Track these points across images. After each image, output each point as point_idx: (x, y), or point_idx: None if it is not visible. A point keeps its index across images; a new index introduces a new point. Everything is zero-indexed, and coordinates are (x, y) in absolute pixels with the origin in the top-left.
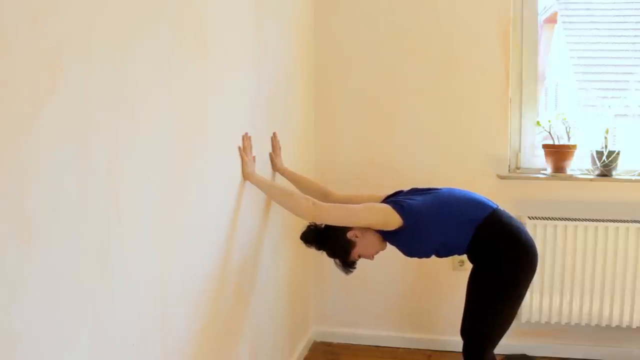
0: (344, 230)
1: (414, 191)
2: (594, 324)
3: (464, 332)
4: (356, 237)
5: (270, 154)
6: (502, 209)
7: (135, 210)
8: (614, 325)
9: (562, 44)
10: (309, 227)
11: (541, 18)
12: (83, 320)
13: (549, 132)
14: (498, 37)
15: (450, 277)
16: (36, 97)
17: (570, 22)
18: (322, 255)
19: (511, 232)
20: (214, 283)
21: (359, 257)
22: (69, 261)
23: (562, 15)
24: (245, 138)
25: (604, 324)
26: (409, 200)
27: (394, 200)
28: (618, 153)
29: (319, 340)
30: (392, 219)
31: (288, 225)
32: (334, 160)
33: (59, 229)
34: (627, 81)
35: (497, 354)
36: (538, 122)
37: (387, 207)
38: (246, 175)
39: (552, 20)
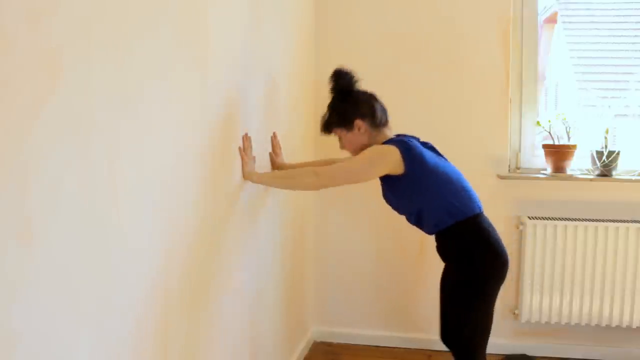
0: (355, 114)
1: (432, 148)
2: (594, 324)
3: (446, 338)
4: (358, 129)
5: (270, 154)
6: (485, 216)
7: (135, 210)
8: (614, 325)
9: (562, 44)
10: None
11: (541, 18)
12: (83, 320)
13: (549, 132)
14: (498, 37)
15: None
16: (36, 97)
17: (570, 22)
18: (322, 256)
19: (487, 238)
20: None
21: (340, 139)
22: (69, 261)
23: (562, 15)
24: (245, 138)
25: (604, 324)
26: (426, 154)
27: (409, 146)
28: (618, 153)
29: (319, 340)
30: (397, 168)
31: (288, 225)
32: (334, 160)
33: (59, 229)
34: (627, 81)
35: (497, 354)
36: (538, 122)
37: (393, 155)
38: (246, 175)
39: (552, 20)
